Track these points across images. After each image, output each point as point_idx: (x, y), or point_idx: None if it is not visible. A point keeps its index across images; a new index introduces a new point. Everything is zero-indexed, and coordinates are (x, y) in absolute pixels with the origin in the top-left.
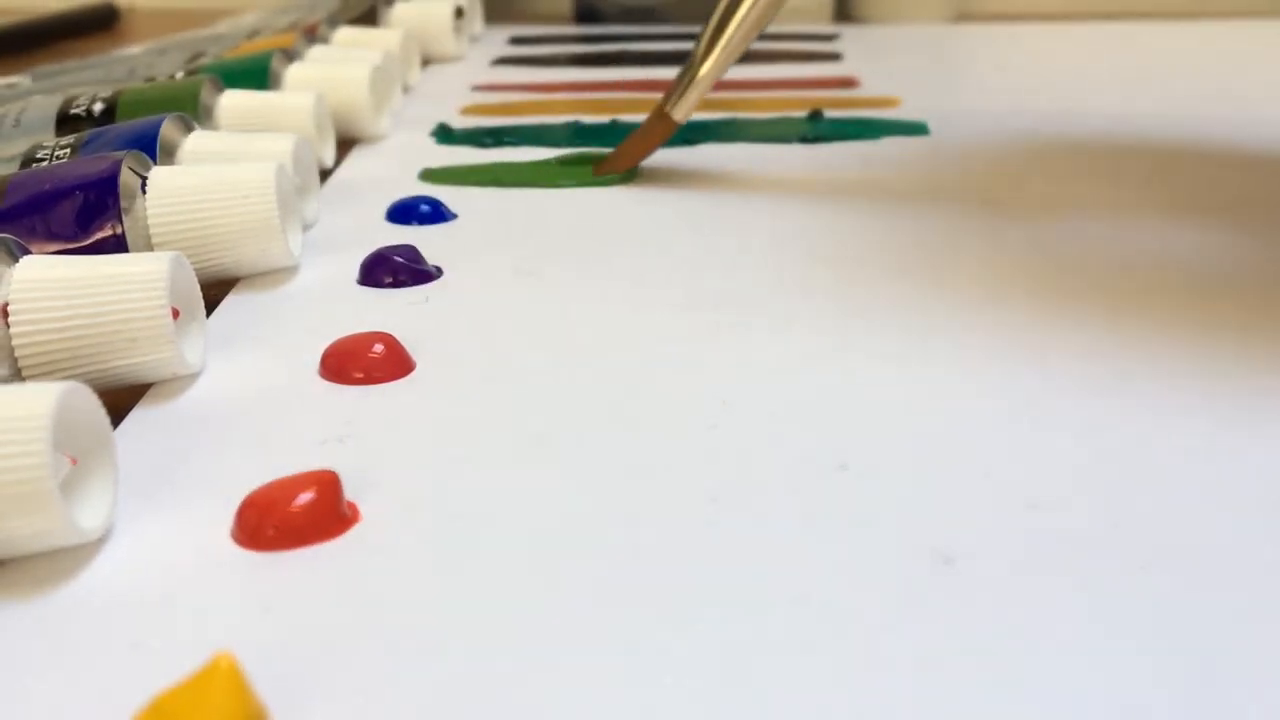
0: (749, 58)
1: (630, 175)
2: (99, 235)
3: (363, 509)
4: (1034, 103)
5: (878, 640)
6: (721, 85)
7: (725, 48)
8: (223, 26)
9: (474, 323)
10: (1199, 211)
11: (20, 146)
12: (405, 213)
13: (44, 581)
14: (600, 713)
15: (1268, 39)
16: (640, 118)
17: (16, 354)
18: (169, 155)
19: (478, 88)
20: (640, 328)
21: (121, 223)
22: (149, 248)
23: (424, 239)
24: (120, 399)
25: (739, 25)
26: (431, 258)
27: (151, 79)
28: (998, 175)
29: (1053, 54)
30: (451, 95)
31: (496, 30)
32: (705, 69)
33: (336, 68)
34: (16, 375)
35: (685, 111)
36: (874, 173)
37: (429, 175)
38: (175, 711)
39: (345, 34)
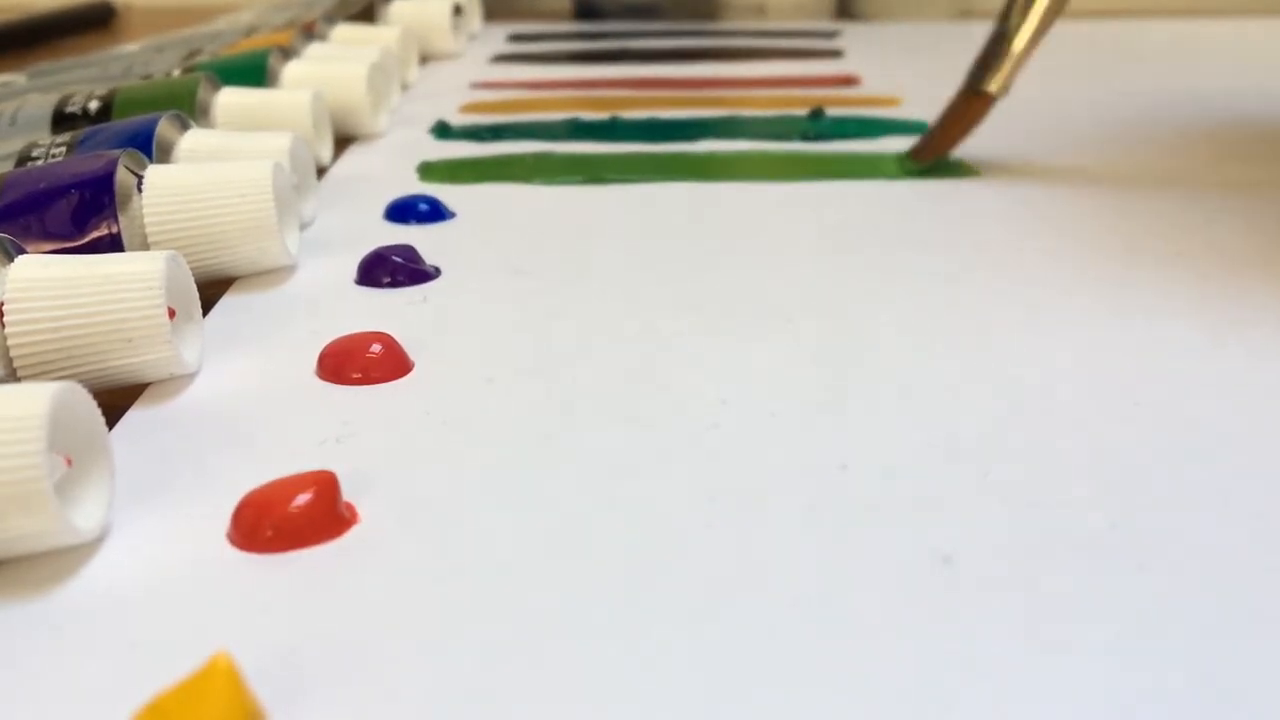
0: (749, 55)
1: (938, 164)
2: (95, 234)
3: (361, 509)
4: (1035, 101)
5: (878, 640)
6: (722, 83)
7: (1042, 16)
8: (220, 24)
9: (473, 323)
10: (1200, 214)
11: (15, 145)
12: (403, 212)
13: (41, 582)
14: (599, 713)
15: (1269, 37)
16: (640, 115)
17: (12, 354)
18: (165, 153)
19: (476, 85)
20: (640, 327)
21: (117, 221)
22: (145, 247)
23: (422, 238)
24: (116, 399)
25: None
26: (430, 257)
27: (148, 77)
28: (998, 176)
29: (1054, 52)
30: (450, 93)
31: (495, 27)
32: (1022, 41)
33: (334, 65)
34: (12, 375)
35: (1002, 83)
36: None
37: (427, 170)
38: (173, 711)
39: (343, 31)
